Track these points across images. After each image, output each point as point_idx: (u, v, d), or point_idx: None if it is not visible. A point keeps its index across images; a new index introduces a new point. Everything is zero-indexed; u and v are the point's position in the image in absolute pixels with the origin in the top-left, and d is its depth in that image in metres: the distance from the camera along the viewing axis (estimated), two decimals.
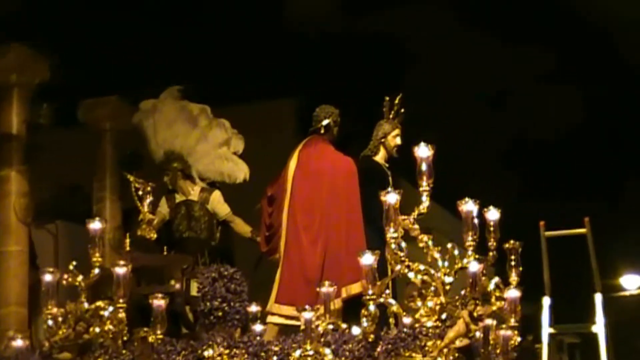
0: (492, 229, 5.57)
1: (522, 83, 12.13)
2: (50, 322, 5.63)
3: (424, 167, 5.47)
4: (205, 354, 5.57)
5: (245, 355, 5.52)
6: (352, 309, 6.03)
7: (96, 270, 5.70)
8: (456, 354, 5.11)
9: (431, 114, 11.19)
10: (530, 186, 12.74)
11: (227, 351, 5.57)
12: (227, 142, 7.70)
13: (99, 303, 5.70)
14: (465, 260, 5.27)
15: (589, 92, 12.15)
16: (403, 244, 5.41)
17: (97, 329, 5.64)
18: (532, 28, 11.64)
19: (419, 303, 5.36)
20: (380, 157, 7.10)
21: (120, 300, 5.60)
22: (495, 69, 11.75)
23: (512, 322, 5.42)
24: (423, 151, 5.49)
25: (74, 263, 5.75)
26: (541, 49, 11.65)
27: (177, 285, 6.81)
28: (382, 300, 5.35)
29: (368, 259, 5.31)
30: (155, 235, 7.21)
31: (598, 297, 6.66)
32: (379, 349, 5.26)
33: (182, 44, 10.84)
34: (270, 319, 6.51)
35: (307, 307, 5.36)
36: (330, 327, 5.46)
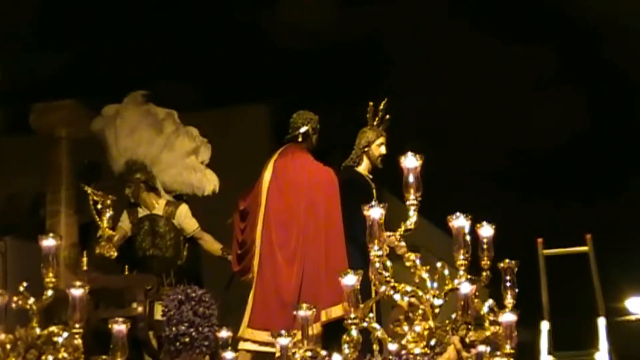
0: (485, 246, 5.59)
1: (519, 88, 12.20)
2: None
3: (411, 178, 5.46)
4: None
5: None
6: (332, 334, 6.03)
7: (49, 292, 5.66)
8: None
9: (419, 121, 11.22)
10: (527, 200, 12.79)
11: None
12: (195, 151, 7.70)
13: (53, 328, 5.66)
14: (456, 281, 5.27)
15: (590, 99, 12.25)
16: (388, 263, 5.40)
17: (51, 357, 5.60)
18: (530, 29, 11.73)
19: (406, 328, 5.36)
20: (363, 167, 7.13)
21: (76, 325, 5.56)
22: (489, 73, 11.82)
23: (508, 348, 5.41)
24: (410, 161, 5.48)
25: (25, 284, 5.70)
26: (540, 51, 11.73)
27: (140, 309, 6.79)
28: (365, 324, 5.35)
29: (350, 279, 5.30)
30: (115, 254, 7.19)
31: (601, 322, 6.69)
32: None
33: (147, 45, 10.82)
34: (242, 345, 6.51)
35: (282, 332, 5.35)
36: (309, 354, 5.43)
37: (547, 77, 12.18)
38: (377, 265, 5.35)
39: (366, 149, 7.12)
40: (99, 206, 7.19)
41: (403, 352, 5.25)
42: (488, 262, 5.57)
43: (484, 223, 5.62)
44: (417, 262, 5.43)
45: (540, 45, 11.65)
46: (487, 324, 5.51)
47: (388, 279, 5.38)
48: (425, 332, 5.28)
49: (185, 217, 7.50)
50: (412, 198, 5.47)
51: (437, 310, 5.32)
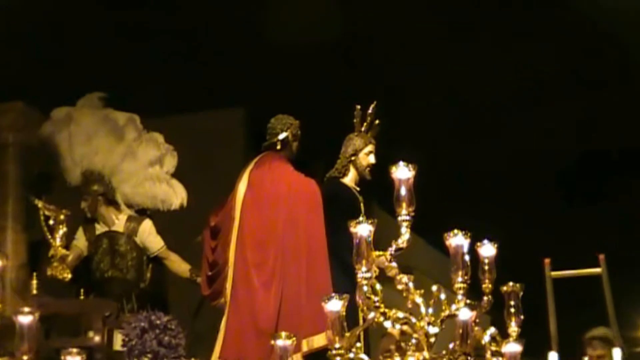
0: (487, 267, 5.56)
1: (521, 93, 12.27)
2: None
3: (403, 191, 5.44)
4: None
5: None
6: None
7: None
8: None
9: (412, 127, 11.24)
10: (533, 216, 12.82)
11: None
12: (160, 160, 7.70)
13: None
14: (454, 307, 5.25)
15: (601, 110, 12.33)
16: (378, 287, 5.38)
17: None
18: (532, 31, 11.80)
19: (398, 359, 5.34)
20: (350, 178, 7.14)
21: (24, 357, 5.51)
22: (490, 76, 11.88)
23: None
24: (402, 172, 5.46)
25: None
26: (542, 51, 11.81)
27: (97, 338, 6.77)
28: (351, 355, 5.32)
29: (334, 304, 5.27)
30: (69, 275, 7.18)
31: (616, 353, 6.70)
32: None
33: (106, 41, 10.80)
34: None
35: None
36: None
37: (553, 82, 12.26)
38: (365, 288, 5.33)
39: (353, 158, 7.13)
40: (51, 222, 7.17)
41: None
42: (490, 286, 5.54)
43: (485, 241, 5.59)
44: (410, 285, 5.40)
45: (544, 45, 11.74)
46: (488, 355, 5.50)
47: (377, 304, 5.35)
48: None
49: (148, 235, 7.49)
50: (404, 213, 5.45)
51: (432, 340, 5.30)
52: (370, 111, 7.19)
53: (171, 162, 7.77)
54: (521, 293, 5.67)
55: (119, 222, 7.50)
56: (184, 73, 11.08)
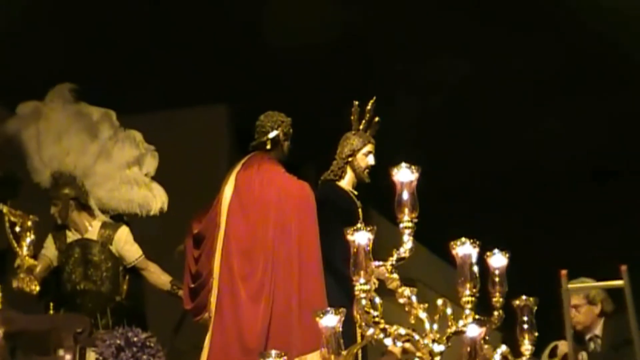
0: (497, 279, 5.57)
1: (526, 90, 12.30)
2: None
3: (405, 195, 5.45)
4: None
5: None
6: None
7: None
8: None
9: (415, 125, 11.25)
10: (549, 223, 12.82)
11: None
12: (138, 161, 7.70)
13: None
14: (461, 322, 5.25)
15: (612, 111, 12.37)
16: (377, 300, 5.38)
17: None
18: (540, 27, 11.85)
19: None
20: (346, 182, 7.15)
21: None
22: (498, 72, 11.91)
23: None
24: (404, 174, 5.47)
25: None
26: (550, 50, 11.86)
27: (68, 357, 6.75)
28: None
29: (329, 319, 5.27)
30: (37, 288, 7.14)
31: None
32: None
33: (78, 30, 10.79)
34: None
35: None
36: None
37: (561, 82, 12.31)
38: (364, 302, 5.32)
39: (350, 159, 7.14)
40: (17, 229, 7.14)
41: None
42: (500, 299, 5.55)
43: (495, 251, 5.60)
44: (413, 298, 5.41)
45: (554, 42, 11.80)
46: None
47: (377, 319, 5.35)
48: None
49: (125, 243, 7.47)
50: (406, 219, 5.46)
51: (437, 359, 5.29)
52: (369, 107, 7.19)
53: (151, 163, 7.76)
54: (535, 307, 5.67)
55: (93, 229, 7.48)
56: (164, 66, 11.07)
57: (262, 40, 11.07)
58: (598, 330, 7.09)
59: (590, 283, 6.97)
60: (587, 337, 7.09)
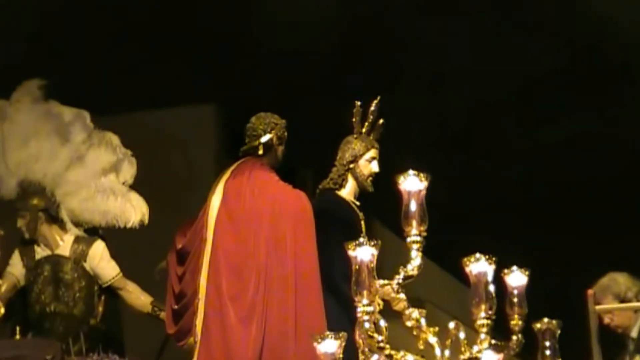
0: (516, 300, 5.59)
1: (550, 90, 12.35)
2: None
3: (413, 206, 5.47)
4: None
5: None
6: None
7: None
8: None
9: (423, 127, 11.26)
10: (572, 237, 12.83)
11: None
12: (115, 167, 7.69)
13: None
14: (475, 348, 5.28)
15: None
16: (382, 323, 5.40)
17: None
18: (550, 22, 11.91)
19: None
20: (347, 191, 7.15)
21: None
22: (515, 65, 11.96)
23: None
24: (412, 183, 5.49)
25: None
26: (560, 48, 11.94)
27: None
28: None
29: (329, 345, 5.28)
30: (2, 310, 7.12)
31: None
32: None
33: (56, 20, 10.82)
34: None
35: None
36: None
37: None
38: (367, 325, 5.34)
39: (352, 166, 7.14)
40: None
41: None
42: (519, 322, 5.57)
43: (514, 268, 5.62)
44: (422, 321, 5.43)
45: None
46: None
47: (382, 344, 5.35)
48: None
49: (101, 259, 7.48)
50: (414, 233, 5.48)
51: None
52: (372, 108, 7.18)
53: (129, 170, 7.76)
54: (558, 331, 5.69)
55: (64, 244, 7.48)
56: (145, 62, 11.08)
57: (253, 34, 11.10)
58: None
59: (619, 279, 7.02)
60: (632, 335, 7.10)
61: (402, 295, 5.71)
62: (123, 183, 7.72)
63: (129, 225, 7.64)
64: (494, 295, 5.33)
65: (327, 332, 5.38)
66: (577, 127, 12.12)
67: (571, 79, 11.86)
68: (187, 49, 11.12)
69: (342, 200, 7.09)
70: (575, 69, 11.75)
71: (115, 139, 7.77)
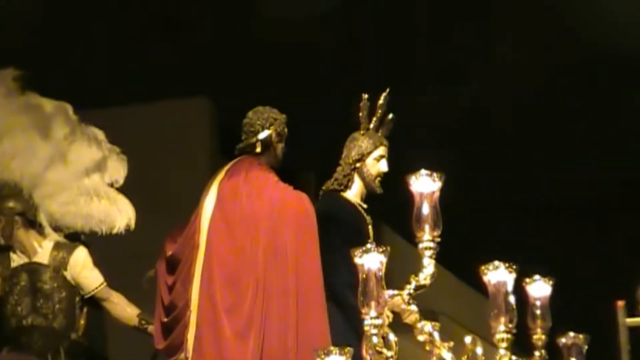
0: (538, 312, 5.62)
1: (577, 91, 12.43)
2: None
3: (425, 209, 5.49)
4: None
5: None
6: None
7: None
8: None
9: (437, 123, 11.28)
10: (601, 245, 12.86)
11: None
12: (99, 166, 7.66)
13: None
14: None
15: None
16: (391, 337, 5.41)
17: None
18: (560, 21, 11.99)
19: None
20: (354, 192, 7.16)
21: None
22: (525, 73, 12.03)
23: None
24: (424, 183, 5.50)
25: None
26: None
27: None
28: None
29: None
30: None
31: None
32: None
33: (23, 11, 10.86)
34: None
35: None
36: None
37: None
38: (375, 339, 5.35)
39: (358, 165, 7.15)
40: None
41: None
42: (542, 336, 5.59)
43: (537, 277, 5.63)
44: (435, 335, 5.45)
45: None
46: None
47: (391, 359, 5.31)
48: None
49: (83, 268, 7.45)
50: (427, 239, 5.51)
51: None
52: (381, 102, 7.18)
53: (117, 169, 7.74)
54: (586, 346, 5.69)
55: (43, 250, 7.45)
56: (132, 53, 11.11)
57: (250, 27, 11.13)
58: None
59: None
60: None
61: (414, 307, 5.73)
62: (111, 185, 7.71)
63: (114, 231, 7.64)
64: (514, 306, 5.33)
65: (332, 347, 5.41)
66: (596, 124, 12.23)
67: (590, 75, 11.96)
68: (177, 41, 11.17)
69: (347, 202, 7.09)
70: (589, 68, 11.86)
71: (100, 134, 7.75)
